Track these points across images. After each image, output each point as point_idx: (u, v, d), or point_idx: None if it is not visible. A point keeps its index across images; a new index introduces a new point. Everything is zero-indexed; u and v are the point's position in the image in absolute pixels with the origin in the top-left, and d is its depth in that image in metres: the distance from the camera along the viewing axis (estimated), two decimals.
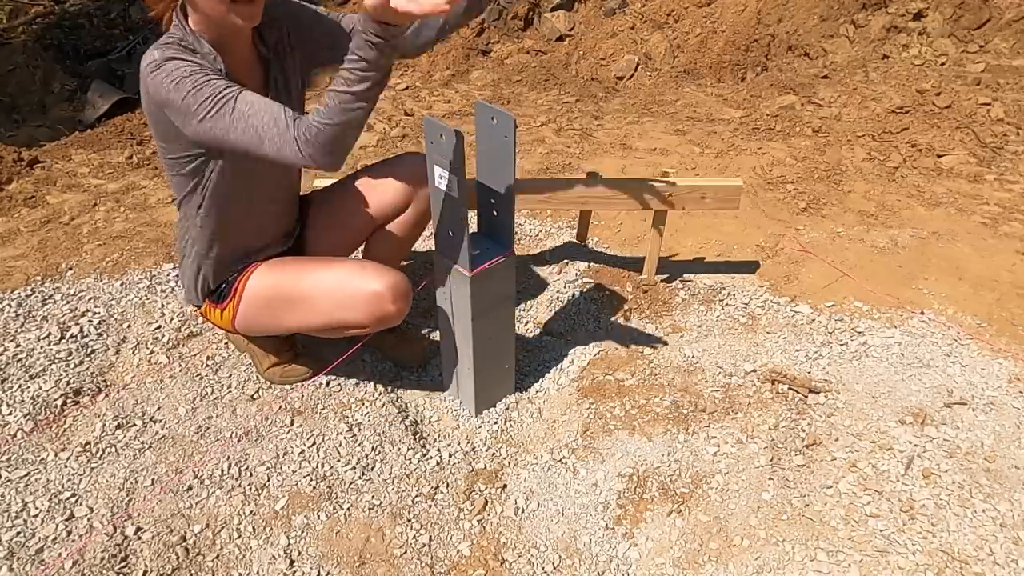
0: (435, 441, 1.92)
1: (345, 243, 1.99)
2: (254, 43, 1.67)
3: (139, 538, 1.62)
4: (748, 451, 1.85)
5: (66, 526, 1.63)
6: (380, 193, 1.91)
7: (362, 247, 2.05)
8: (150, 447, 1.86)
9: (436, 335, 2.09)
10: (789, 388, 2.04)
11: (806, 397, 2.00)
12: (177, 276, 2.43)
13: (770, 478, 1.77)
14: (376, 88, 1.40)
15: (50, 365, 2.09)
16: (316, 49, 1.77)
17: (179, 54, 1.47)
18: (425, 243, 2.76)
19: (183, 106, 1.44)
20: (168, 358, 2.15)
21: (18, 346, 2.17)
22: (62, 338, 2.20)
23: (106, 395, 2.02)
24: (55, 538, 1.61)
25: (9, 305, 2.35)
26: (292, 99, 1.75)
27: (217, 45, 1.54)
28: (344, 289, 1.69)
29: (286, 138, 1.42)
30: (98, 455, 1.82)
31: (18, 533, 1.61)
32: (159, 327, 2.28)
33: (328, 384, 2.08)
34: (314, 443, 1.88)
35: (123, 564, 1.56)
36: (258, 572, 1.58)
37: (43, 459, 1.80)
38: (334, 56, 1.78)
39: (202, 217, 1.70)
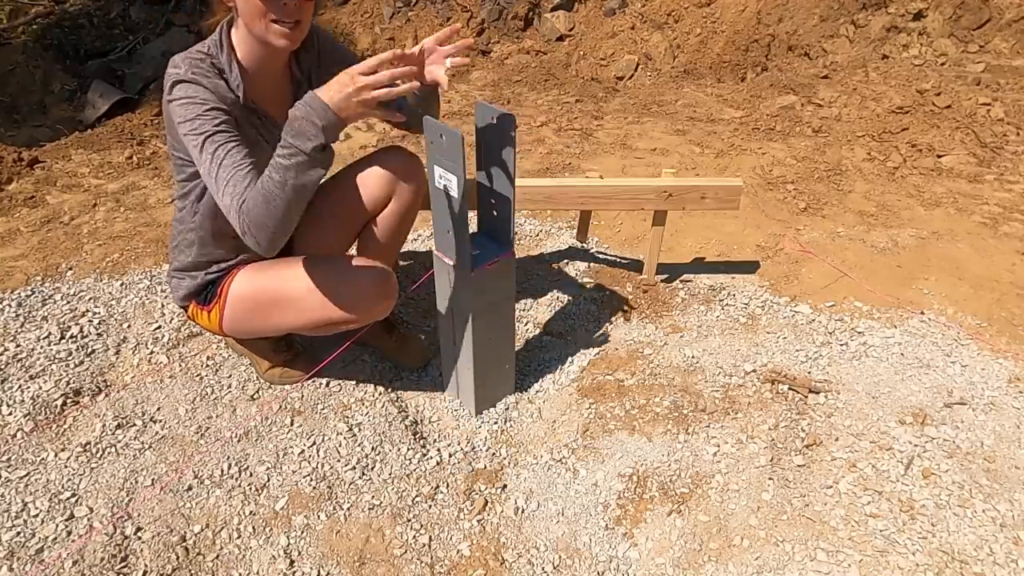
0: (435, 441, 1.92)
1: (333, 241, 1.94)
2: (289, 65, 1.69)
3: (139, 538, 1.62)
4: (748, 451, 1.85)
5: (66, 526, 1.63)
6: (364, 187, 1.88)
7: (355, 245, 2.03)
8: (150, 447, 1.86)
9: (436, 335, 2.09)
10: (789, 388, 2.04)
11: (806, 397, 2.00)
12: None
13: (770, 478, 1.77)
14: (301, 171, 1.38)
15: (50, 365, 2.09)
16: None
17: (198, 77, 1.49)
18: (425, 243, 2.76)
19: (179, 126, 1.50)
20: (168, 358, 2.16)
21: (18, 346, 2.17)
22: (62, 338, 2.20)
23: (106, 395, 2.02)
24: (55, 538, 1.61)
25: (9, 305, 2.35)
26: None
27: (250, 64, 1.57)
28: (328, 286, 1.68)
29: (233, 205, 1.43)
30: (98, 455, 1.82)
31: (18, 533, 1.61)
32: (159, 327, 2.28)
33: (328, 384, 2.08)
34: (314, 443, 1.88)
35: (123, 564, 1.56)
36: (258, 572, 1.58)
37: (43, 459, 1.80)
38: None
39: (196, 224, 1.72)
